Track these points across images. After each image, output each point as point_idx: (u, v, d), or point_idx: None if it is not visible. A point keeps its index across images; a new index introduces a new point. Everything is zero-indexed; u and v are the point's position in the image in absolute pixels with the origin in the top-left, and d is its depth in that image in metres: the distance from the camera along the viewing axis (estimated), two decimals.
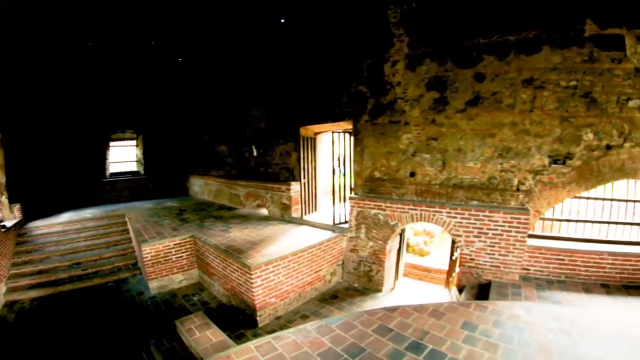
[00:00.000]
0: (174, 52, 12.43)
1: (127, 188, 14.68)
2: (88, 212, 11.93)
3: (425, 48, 7.44)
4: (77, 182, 13.18)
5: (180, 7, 9.09)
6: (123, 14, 9.16)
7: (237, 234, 8.81)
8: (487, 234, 6.76)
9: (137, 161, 15.53)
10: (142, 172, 15.38)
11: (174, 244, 8.43)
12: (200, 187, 15.17)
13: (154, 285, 8.17)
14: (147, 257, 8.04)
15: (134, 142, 15.36)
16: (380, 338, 4.29)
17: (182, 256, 8.55)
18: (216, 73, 12.93)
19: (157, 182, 15.38)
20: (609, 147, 6.17)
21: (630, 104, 6.00)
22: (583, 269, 6.49)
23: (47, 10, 8.55)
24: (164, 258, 8.27)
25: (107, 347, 5.98)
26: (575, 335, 4.49)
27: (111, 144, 14.66)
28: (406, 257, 11.13)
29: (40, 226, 10.40)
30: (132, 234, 10.17)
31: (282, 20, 9.52)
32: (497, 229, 6.69)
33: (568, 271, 6.52)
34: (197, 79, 13.84)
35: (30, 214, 11.03)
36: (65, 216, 11.45)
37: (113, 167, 14.90)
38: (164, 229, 9.30)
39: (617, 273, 6.30)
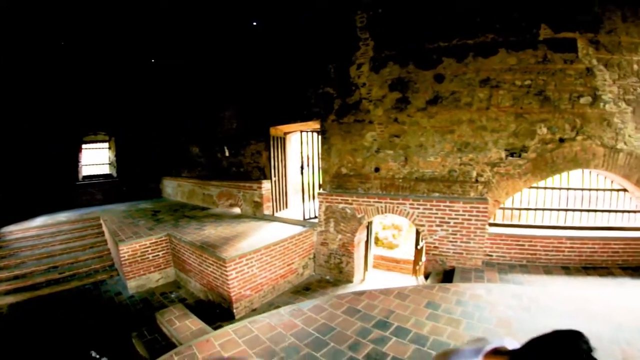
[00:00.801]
0: (147, 54, 12.49)
1: (100, 191, 14.67)
2: (62, 216, 11.96)
3: (389, 51, 7.95)
4: (50, 186, 13.12)
5: (154, 9, 9.32)
6: (96, 14, 9.25)
7: (212, 231, 9.09)
8: (448, 222, 7.29)
9: (109, 164, 15.46)
10: (114, 174, 15.34)
11: (150, 243, 8.68)
12: (173, 188, 15.28)
13: (132, 285, 8.37)
14: (124, 257, 8.24)
15: (106, 145, 15.29)
16: (349, 318, 4.68)
17: (158, 255, 8.80)
18: (189, 74, 13.06)
19: (130, 184, 15.39)
20: (562, 140, 6.85)
21: (582, 100, 6.72)
22: (543, 253, 7.07)
23: (18, 7, 8.60)
24: (141, 257, 8.49)
25: (88, 345, 6.12)
26: (534, 310, 4.99)
27: (84, 146, 14.55)
28: (376, 250, 11.63)
29: (14, 231, 10.40)
30: (107, 236, 10.29)
31: (254, 23, 9.83)
32: (458, 218, 7.23)
33: (529, 255, 7.09)
34: (169, 80, 13.94)
35: (3, 219, 10.97)
36: (39, 220, 11.46)
37: (86, 170, 14.83)
38: (139, 229, 9.50)
39: (576, 256, 6.90)
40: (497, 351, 1.48)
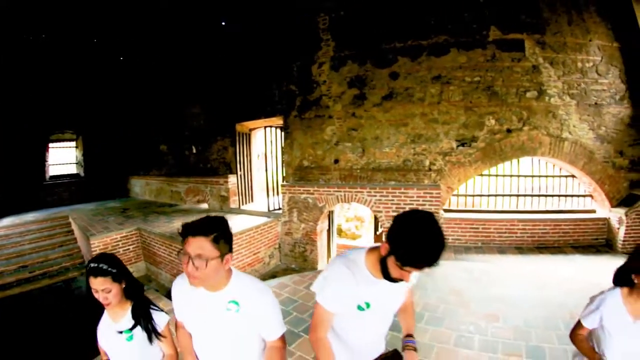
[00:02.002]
0: (115, 51, 12.71)
1: (67, 191, 14.70)
2: (30, 216, 12.01)
3: (349, 51, 8.64)
4: (16, 187, 13.06)
5: (123, 8, 9.74)
6: (65, 9, 9.56)
7: (180, 223, 9.65)
8: (404, 208, 7.82)
9: (77, 163, 15.48)
10: (82, 174, 15.39)
11: (121, 237, 9.05)
12: (141, 187, 15.49)
13: None
14: (95, 251, 8.45)
15: (73, 144, 15.30)
16: (310, 292, 5.42)
17: (129, 249, 9.17)
18: (157, 73, 13.26)
19: (98, 184, 15.42)
20: (509, 131, 7.66)
21: (528, 95, 7.59)
22: (497, 235, 7.88)
23: None
24: (112, 251, 8.62)
25: (63, 339, 6.31)
26: (485, 282, 5.61)
27: (50, 145, 14.62)
28: (340, 241, 12.16)
29: None
30: (77, 233, 10.53)
31: (223, 23, 10.35)
32: (412, 204, 7.93)
33: (483, 238, 7.88)
34: (137, 79, 14.10)
35: None
36: (7, 220, 11.51)
37: (53, 170, 14.78)
38: (109, 224, 9.82)
39: (528, 237, 7.75)
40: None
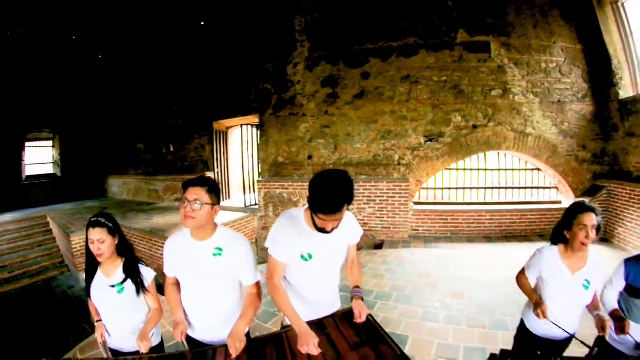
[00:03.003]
0: (93, 49, 12.86)
1: (44, 191, 14.59)
2: (7, 216, 12.00)
3: (323, 52, 9.23)
4: None
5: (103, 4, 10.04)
6: (43, 5, 9.81)
7: (159, 220, 9.92)
8: (375, 200, 8.60)
9: (54, 163, 15.40)
10: (59, 174, 15.35)
11: None
12: (119, 187, 15.71)
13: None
14: (76, 248, 8.78)
15: (50, 143, 15.20)
16: None
17: None
18: (135, 72, 13.52)
19: (75, 184, 15.38)
20: (475, 127, 8.35)
21: (493, 93, 8.27)
22: (465, 225, 8.50)
23: None
24: None
25: (43, 337, 6.59)
26: (452, 266, 6.12)
27: (27, 144, 14.48)
28: None
29: None
30: (56, 232, 10.74)
31: (202, 23, 10.79)
32: (383, 196, 8.56)
33: (453, 228, 8.50)
34: (115, 77, 14.25)
35: None
36: None
37: (29, 170, 14.64)
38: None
39: (496, 227, 8.37)
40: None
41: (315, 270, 2.46)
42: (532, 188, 9.19)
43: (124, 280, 2.54)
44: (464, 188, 9.42)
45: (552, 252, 2.68)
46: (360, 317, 2.36)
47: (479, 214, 8.61)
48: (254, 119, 10.52)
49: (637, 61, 8.22)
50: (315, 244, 2.38)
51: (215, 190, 2.29)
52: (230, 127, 11.81)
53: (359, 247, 8.98)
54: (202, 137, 11.66)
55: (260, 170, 10.51)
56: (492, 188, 9.36)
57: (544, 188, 9.13)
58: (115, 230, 2.52)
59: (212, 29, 10.84)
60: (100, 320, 2.57)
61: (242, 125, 11.23)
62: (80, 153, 15.73)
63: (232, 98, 10.73)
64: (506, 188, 9.36)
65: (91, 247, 2.46)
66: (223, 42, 10.80)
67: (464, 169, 9.48)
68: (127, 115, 14.72)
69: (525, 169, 9.30)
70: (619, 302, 2.60)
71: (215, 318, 2.40)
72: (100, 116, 15.64)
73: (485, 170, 9.45)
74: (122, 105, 14.76)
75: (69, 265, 9.74)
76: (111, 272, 2.56)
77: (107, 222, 2.48)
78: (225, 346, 2.14)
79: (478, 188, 9.38)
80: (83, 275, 7.89)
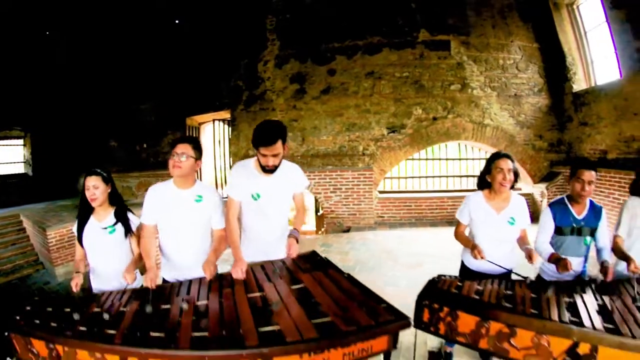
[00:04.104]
0: (65, 45, 13.07)
1: (15, 191, 14.53)
2: None
3: (292, 50, 9.97)
4: None
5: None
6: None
7: (133, 215, 10.45)
8: (341, 189, 9.34)
9: (24, 162, 15.36)
10: (30, 173, 15.30)
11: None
12: None
13: (61, 272, 8.99)
14: (52, 242, 8.99)
15: (21, 142, 15.16)
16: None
17: None
18: (107, 69, 13.53)
19: (47, 183, 15.24)
20: (435, 119, 9.23)
21: (452, 87, 9.17)
22: (429, 211, 9.33)
23: None
24: (68, 242, 9.13)
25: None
26: (413, 244, 6.87)
27: None
28: None
29: None
30: (30, 231, 10.96)
31: (177, 22, 11.30)
32: (348, 184, 9.33)
33: (416, 214, 9.34)
34: (88, 75, 14.20)
35: None
36: None
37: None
38: (64, 218, 10.20)
39: None
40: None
41: (264, 209, 3.11)
42: None
43: (115, 223, 3.08)
44: (426, 177, 10.27)
45: (478, 196, 3.29)
46: (290, 250, 3.02)
47: (441, 200, 9.47)
48: (226, 114, 11.09)
49: (590, 57, 9.20)
50: (262, 185, 3.04)
51: (198, 148, 2.91)
52: (203, 122, 12.34)
53: (327, 231, 9.75)
54: (175, 133, 11.98)
55: (231, 164, 11.04)
56: (454, 176, 10.30)
57: None
58: (108, 179, 3.05)
59: (186, 26, 11.31)
60: (79, 272, 3.07)
61: (214, 120, 11.78)
62: (52, 152, 15.61)
63: (205, 94, 11.24)
64: (467, 176, 10.28)
65: (86, 193, 2.96)
66: (196, 40, 11.28)
67: (426, 159, 10.33)
68: (100, 113, 14.77)
69: (486, 158, 10.09)
70: (552, 245, 3.19)
71: (192, 256, 2.97)
72: (73, 114, 15.50)
73: (447, 159, 10.34)
74: (94, 103, 14.82)
75: (44, 261, 9.96)
76: (103, 217, 3.08)
77: (101, 172, 3.01)
78: (199, 278, 2.74)
79: (440, 176, 10.27)
80: (59, 270, 8.57)
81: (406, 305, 4.54)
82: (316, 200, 10.30)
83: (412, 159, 10.25)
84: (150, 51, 12.17)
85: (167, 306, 2.38)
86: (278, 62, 10.22)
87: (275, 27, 10.25)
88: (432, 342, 3.94)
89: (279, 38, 10.22)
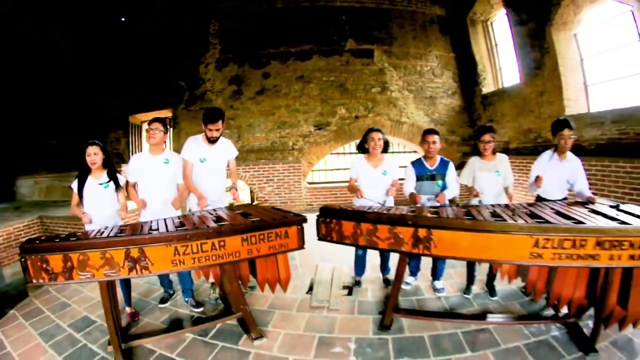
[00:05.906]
0: None
1: None
2: None
3: (231, 54, 11.26)
4: None
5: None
6: None
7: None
8: (273, 180, 10.69)
9: None
10: None
11: (23, 226, 9.56)
12: (30, 187, 15.18)
13: (9, 273, 8.33)
14: None
15: None
16: None
17: (34, 236, 9.15)
18: (48, 67, 13.23)
19: None
20: (357, 117, 10.82)
21: (373, 90, 10.81)
22: (352, 198, 10.82)
23: None
24: (15, 242, 9.12)
25: None
26: None
27: None
28: None
29: None
30: None
31: (122, 19, 11.94)
32: (280, 176, 10.69)
33: (343, 202, 10.56)
34: (26, 73, 13.64)
35: None
36: None
37: None
38: (7, 218, 10.00)
39: None
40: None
41: (208, 169, 4.57)
42: None
43: (108, 180, 4.25)
44: (349, 169, 11.82)
45: (360, 159, 4.83)
46: (234, 195, 4.60)
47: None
48: (168, 113, 11.78)
49: (498, 65, 11.21)
50: (207, 152, 4.52)
51: (165, 126, 4.32)
52: (145, 120, 12.63)
53: None
54: (117, 131, 12.47)
55: None
56: None
57: None
58: (103, 149, 4.22)
59: (131, 26, 11.98)
60: (85, 213, 4.16)
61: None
62: None
63: (148, 93, 12.22)
64: None
65: (87, 159, 4.05)
66: (141, 40, 12.17)
67: (351, 153, 11.97)
68: (39, 113, 14.48)
69: (405, 152, 12.09)
70: (415, 188, 4.69)
71: (161, 203, 4.37)
72: (8, 115, 14.81)
73: None
74: (33, 102, 14.44)
75: None
76: (99, 176, 4.21)
77: (99, 142, 4.19)
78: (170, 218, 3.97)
79: None
80: (7, 271, 8.54)
81: (325, 261, 6.22)
82: (251, 191, 11.31)
83: (337, 153, 11.91)
84: (93, 48, 12.65)
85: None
86: (218, 64, 11.39)
87: (218, 32, 11.44)
88: (346, 278, 5.41)
89: (221, 42, 11.41)
